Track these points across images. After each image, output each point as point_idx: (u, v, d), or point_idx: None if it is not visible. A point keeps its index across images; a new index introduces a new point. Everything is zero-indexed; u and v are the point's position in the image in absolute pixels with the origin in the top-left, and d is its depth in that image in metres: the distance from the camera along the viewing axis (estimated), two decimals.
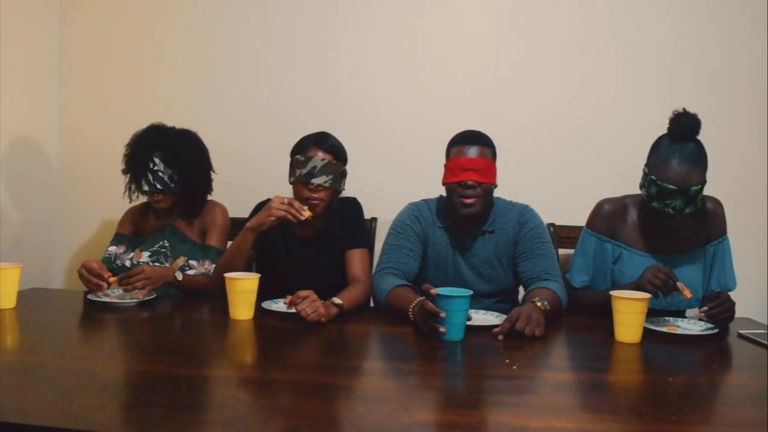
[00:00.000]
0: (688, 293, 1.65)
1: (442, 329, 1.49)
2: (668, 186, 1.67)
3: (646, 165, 1.78)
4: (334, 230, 2.02)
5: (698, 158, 1.71)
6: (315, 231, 2.03)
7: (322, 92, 2.57)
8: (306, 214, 1.79)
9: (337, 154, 1.95)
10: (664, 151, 1.72)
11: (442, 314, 1.48)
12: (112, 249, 2.18)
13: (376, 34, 2.55)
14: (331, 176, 1.90)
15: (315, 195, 1.90)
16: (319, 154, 1.91)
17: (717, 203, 1.88)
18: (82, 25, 2.68)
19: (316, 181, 1.88)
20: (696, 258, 1.86)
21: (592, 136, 2.48)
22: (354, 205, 2.08)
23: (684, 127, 1.71)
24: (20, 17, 2.46)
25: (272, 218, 1.80)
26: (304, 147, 1.95)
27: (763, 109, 2.42)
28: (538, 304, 1.63)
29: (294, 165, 1.93)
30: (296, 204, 1.80)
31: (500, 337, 1.52)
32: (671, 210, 1.69)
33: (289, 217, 1.79)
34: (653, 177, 1.71)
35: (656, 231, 1.86)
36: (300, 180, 1.90)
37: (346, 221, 2.03)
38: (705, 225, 1.87)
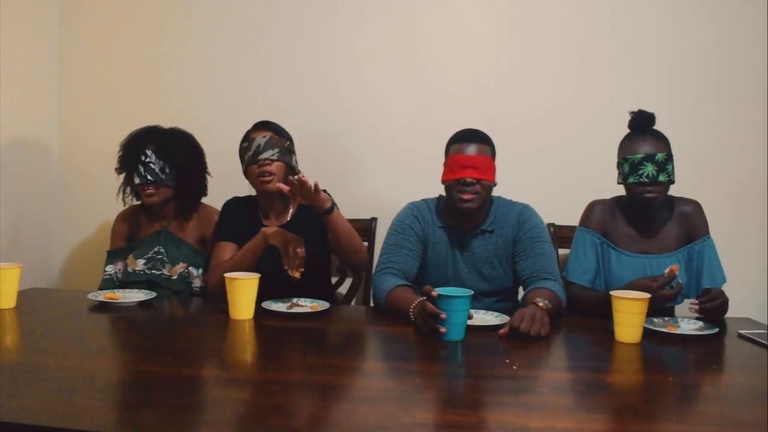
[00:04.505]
0: (675, 267, 1.72)
1: (442, 329, 1.49)
2: (636, 156, 1.82)
3: (617, 159, 1.91)
4: (305, 220, 2.03)
5: (659, 135, 1.86)
6: (285, 219, 2.05)
7: (323, 92, 2.57)
8: (295, 275, 1.80)
9: (278, 131, 2.02)
10: (628, 137, 1.90)
11: (443, 315, 1.48)
12: (110, 269, 2.15)
13: (377, 34, 2.55)
14: (276, 149, 1.96)
15: (265, 169, 1.95)
16: (261, 134, 1.99)
17: (695, 205, 1.95)
18: (82, 25, 2.68)
19: (263, 156, 1.94)
20: (680, 256, 1.91)
21: (592, 135, 2.47)
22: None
23: (641, 120, 1.89)
24: (20, 17, 2.46)
25: (275, 244, 1.83)
26: (246, 135, 2.04)
27: (763, 109, 2.42)
28: (540, 304, 1.63)
29: (241, 154, 2.02)
30: (297, 262, 1.80)
31: (501, 331, 1.54)
32: (646, 178, 1.80)
33: (285, 258, 1.80)
34: (623, 157, 1.87)
35: (640, 230, 1.92)
36: (249, 161, 1.97)
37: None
38: (685, 226, 1.93)
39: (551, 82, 2.50)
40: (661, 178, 1.80)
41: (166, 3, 2.64)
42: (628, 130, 1.90)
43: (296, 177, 1.74)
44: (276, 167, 1.96)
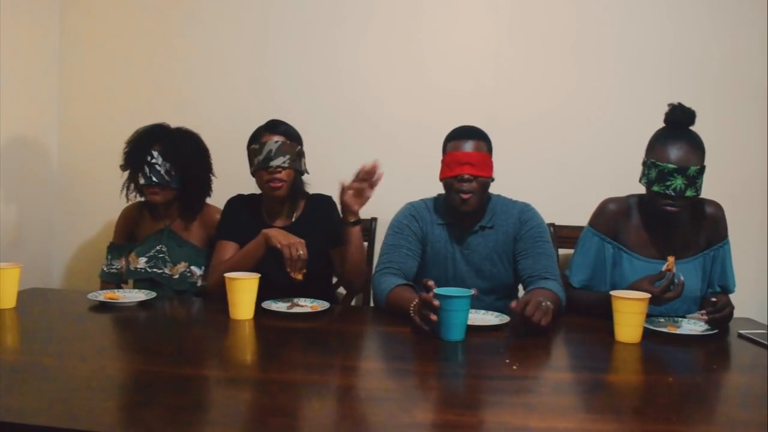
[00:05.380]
0: (671, 261, 1.68)
1: (433, 317, 1.47)
2: (668, 165, 1.70)
3: (645, 156, 1.80)
4: (308, 223, 2.02)
5: (696, 143, 1.74)
6: (289, 221, 2.05)
7: (324, 91, 2.57)
8: (297, 276, 1.81)
9: (290, 135, 2.00)
10: (662, 137, 1.77)
11: (436, 302, 1.47)
12: (117, 263, 2.17)
13: (378, 34, 2.55)
14: (288, 156, 1.94)
15: (276, 177, 1.93)
16: (273, 138, 1.95)
17: (718, 207, 1.88)
18: (82, 25, 2.68)
19: (274, 163, 1.92)
20: (696, 264, 1.86)
21: (592, 135, 2.47)
22: (332, 204, 2.07)
23: (680, 116, 1.76)
24: (20, 17, 2.45)
25: (277, 246, 1.82)
26: (257, 136, 2.00)
27: (763, 109, 2.42)
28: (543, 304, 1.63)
29: (251, 156, 1.99)
30: (300, 264, 1.81)
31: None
32: (672, 192, 1.70)
33: (287, 260, 1.80)
34: (653, 160, 1.74)
35: (657, 234, 1.86)
36: (259, 167, 1.95)
37: (326, 220, 2.03)
38: (705, 229, 1.87)
39: (551, 80, 2.50)
40: (689, 192, 1.69)
41: (166, 3, 2.64)
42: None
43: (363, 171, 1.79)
44: (286, 174, 1.95)
